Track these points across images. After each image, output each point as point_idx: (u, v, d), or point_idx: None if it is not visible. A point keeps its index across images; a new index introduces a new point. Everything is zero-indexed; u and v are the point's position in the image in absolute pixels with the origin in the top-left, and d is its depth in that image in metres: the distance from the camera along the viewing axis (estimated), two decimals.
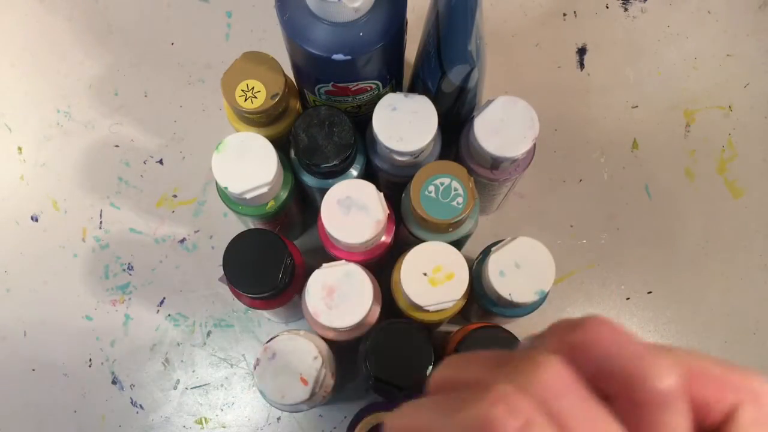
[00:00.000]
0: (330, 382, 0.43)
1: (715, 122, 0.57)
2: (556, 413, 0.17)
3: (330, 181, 0.45)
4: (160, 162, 0.57)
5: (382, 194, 0.42)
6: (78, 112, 0.58)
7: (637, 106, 0.58)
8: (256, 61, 0.43)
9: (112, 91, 0.58)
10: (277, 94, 0.43)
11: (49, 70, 0.59)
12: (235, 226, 0.53)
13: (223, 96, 0.43)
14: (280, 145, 0.44)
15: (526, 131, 0.43)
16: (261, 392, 0.41)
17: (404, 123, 0.42)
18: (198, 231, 0.55)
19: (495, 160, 0.43)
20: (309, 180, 0.46)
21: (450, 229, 0.43)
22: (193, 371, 0.53)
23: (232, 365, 0.53)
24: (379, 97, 0.43)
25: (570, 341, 0.19)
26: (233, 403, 0.53)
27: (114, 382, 0.53)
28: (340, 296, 0.41)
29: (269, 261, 0.42)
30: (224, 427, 0.52)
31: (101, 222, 0.56)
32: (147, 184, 0.56)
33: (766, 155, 0.57)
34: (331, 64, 0.39)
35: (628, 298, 0.54)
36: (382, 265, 0.46)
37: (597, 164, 0.56)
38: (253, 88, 0.43)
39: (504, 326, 0.43)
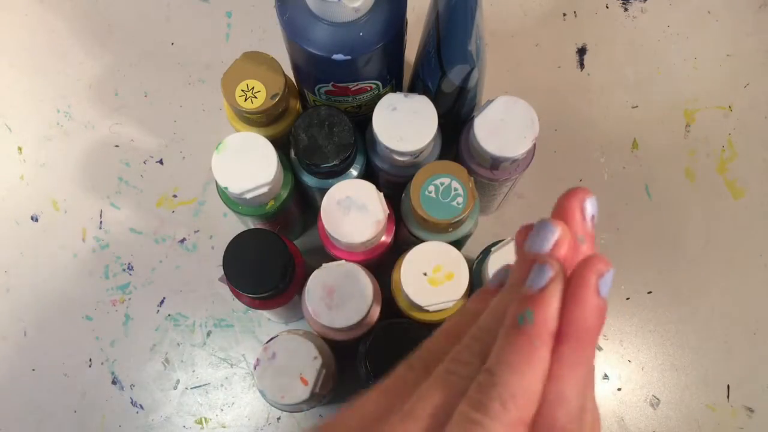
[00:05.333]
0: (330, 382, 0.43)
1: (715, 122, 0.57)
2: None
3: (330, 181, 0.45)
4: (160, 162, 0.57)
5: (382, 194, 0.42)
6: (78, 112, 0.58)
7: (637, 106, 0.58)
8: (256, 61, 0.43)
9: (112, 91, 0.58)
10: (277, 94, 0.43)
11: (49, 70, 0.59)
12: (235, 226, 0.53)
13: (223, 96, 0.43)
14: (280, 145, 0.44)
15: (526, 131, 0.43)
16: (261, 392, 0.41)
17: (404, 123, 0.42)
18: (198, 231, 0.55)
19: (495, 160, 0.43)
20: (309, 180, 0.46)
21: (450, 229, 0.43)
22: (193, 371, 0.53)
23: (232, 365, 0.53)
24: (379, 97, 0.43)
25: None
26: (233, 403, 0.53)
27: (114, 382, 0.53)
28: (340, 296, 0.41)
29: (269, 261, 0.42)
30: (224, 427, 0.52)
31: (101, 222, 0.56)
32: (147, 184, 0.56)
33: (766, 155, 0.57)
34: (331, 64, 0.39)
35: (628, 298, 0.54)
36: (382, 265, 0.46)
37: (597, 164, 0.56)
38: (253, 88, 0.43)
39: None
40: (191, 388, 0.53)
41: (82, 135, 0.57)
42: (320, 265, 0.42)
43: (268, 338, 0.42)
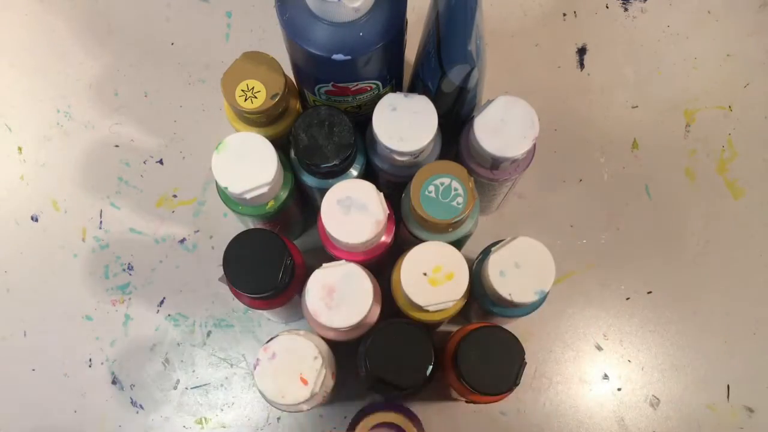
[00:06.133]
0: (330, 382, 0.43)
1: (715, 122, 0.57)
2: None
3: (330, 181, 0.45)
4: (160, 162, 0.57)
5: (382, 194, 0.42)
6: (78, 112, 0.58)
7: (637, 106, 0.58)
8: (256, 61, 0.43)
9: (112, 91, 0.58)
10: (277, 94, 0.43)
11: (49, 70, 0.59)
12: (235, 226, 0.53)
13: (223, 96, 0.43)
14: (280, 145, 0.44)
15: (526, 131, 0.43)
16: (261, 392, 0.41)
17: (404, 123, 0.42)
18: (198, 231, 0.55)
19: (495, 160, 0.43)
20: (309, 180, 0.46)
21: (450, 229, 0.43)
22: (193, 371, 0.53)
23: (232, 365, 0.53)
24: (379, 97, 0.43)
25: None
26: (233, 403, 0.53)
27: (114, 382, 0.53)
28: (340, 296, 0.41)
29: (269, 261, 0.42)
30: (224, 427, 0.52)
31: (101, 222, 0.56)
32: (147, 184, 0.56)
33: (766, 155, 0.57)
34: (331, 64, 0.39)
35: (628, 298, 0.54)
36: (382, 265, 0.46)
37: (597, 164, 0.56)
38: (253, 88, 0.43)
39: (504, 326, 0.43)
40: (191, 388, 0.53)
41: (82, 135, 0.57)
42: (320, 265, 0.42)
43: (268, 338, 0.42)
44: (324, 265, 0.42)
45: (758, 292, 0.54)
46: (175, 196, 0.56)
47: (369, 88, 0.43)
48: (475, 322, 0.47)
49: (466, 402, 0.49)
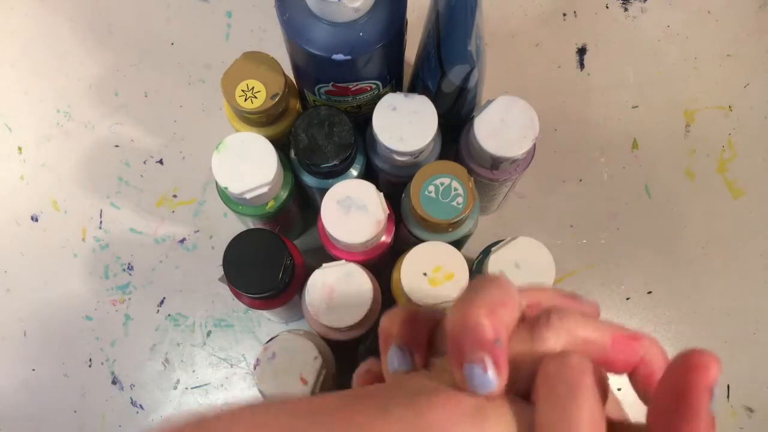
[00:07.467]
0: (330, 382, 0.43)
1: (715, 122, 0.57)
2: None
3: (330, 181, 0.45)
4: (160, 162, 0.57)
5: (382, 194, 0.42)
6: (78, 112, 0.58)
7: (637, 106, 0.58)
8: (256, 61, 0.43)
9: (112, 91, 0.58)
10: (277, 94, 0.43)
11: (49, 70, 0.59)
12: (235, 226, 0.53)
13: (223, 96, 0.43)
14: (280, 145, 0.44)
15: (526, 131, 0.43)
16: (261, 392, 0.41)
17: (404, 123, 0.42)
18: (198, 231, 0.55)
19: (495, 160, 0.43)
20: (309, 180, 0.46)
21: (450, 229, 0.43)
22: (193, 371, 0.53)
23: (232, 365, 0.53)
24: (379, 97, 0.43)
25: None
26: (233, 404, 0.52)
27: (114, 382, 0.53)
28: (340, 296, 0.41)
29: (269, 261, 0.42)
30: None
31: (101, 222, 0.56)
32: (147, 184, 0.56)
33: (766, 155, 0.57)
34: (331, 64, 0.39)
35: (628, 298, 0.54)
36: (382, 265, 0.46)
37: (597, 164, 0.56)
38: (253, 88, 0.43)
39: None
40: (191, 388, 0.53)
41: (82, 135, 0.57)
42: (320, 265, 0.42)
43: (268, 338, 0.42)
44: (324, 265, 0.42)
45: (758, 292, 0.54)
46: (175, 196, 0.56)
47: (369, 88, 0.43)
48: None
49: None
